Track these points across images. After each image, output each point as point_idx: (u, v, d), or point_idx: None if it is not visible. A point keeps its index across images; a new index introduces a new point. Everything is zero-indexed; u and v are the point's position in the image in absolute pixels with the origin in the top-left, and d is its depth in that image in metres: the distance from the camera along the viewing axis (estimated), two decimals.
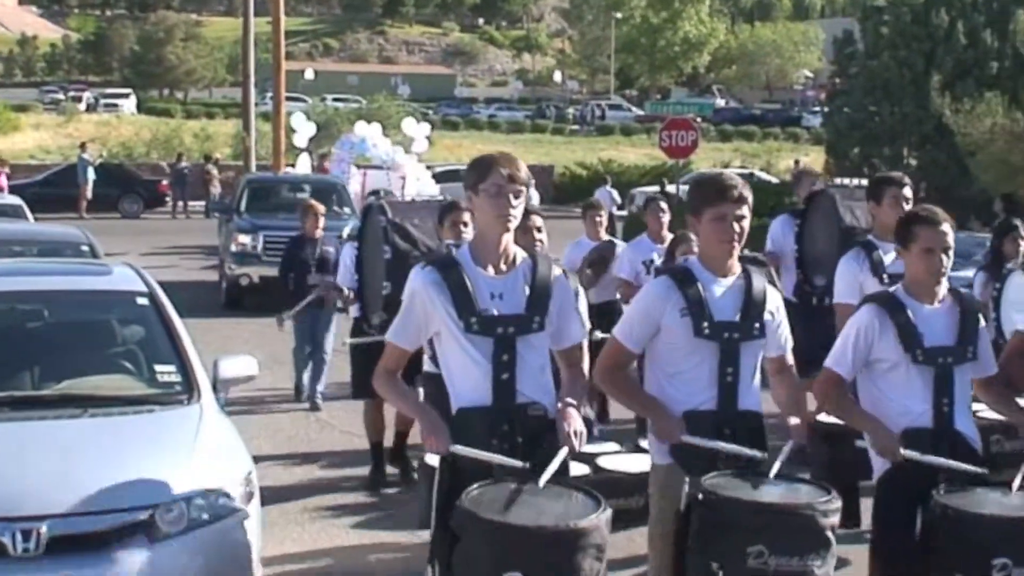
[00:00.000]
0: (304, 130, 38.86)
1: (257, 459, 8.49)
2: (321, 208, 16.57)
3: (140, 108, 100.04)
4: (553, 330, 6.38)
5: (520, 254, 6.37)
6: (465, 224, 10.30)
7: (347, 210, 26.78)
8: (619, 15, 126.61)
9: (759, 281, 6.76)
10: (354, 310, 12.53)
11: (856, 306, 8.37)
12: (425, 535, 6.73)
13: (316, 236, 16.20)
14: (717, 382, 6.61)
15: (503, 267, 6.30)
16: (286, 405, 15.77)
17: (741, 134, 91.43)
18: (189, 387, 8.35)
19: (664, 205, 13.83)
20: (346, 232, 24.00)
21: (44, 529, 6.72)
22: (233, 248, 25.19)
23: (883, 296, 7.19)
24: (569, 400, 6.29)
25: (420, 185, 34.00)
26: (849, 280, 9.31)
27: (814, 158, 59.94)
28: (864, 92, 40.90)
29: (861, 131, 40.82)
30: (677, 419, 6.60)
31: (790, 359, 7.01)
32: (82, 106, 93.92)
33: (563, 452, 6.07)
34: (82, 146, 50.22)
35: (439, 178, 51.91)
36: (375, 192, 14.58)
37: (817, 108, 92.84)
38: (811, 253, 12.19)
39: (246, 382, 8.95)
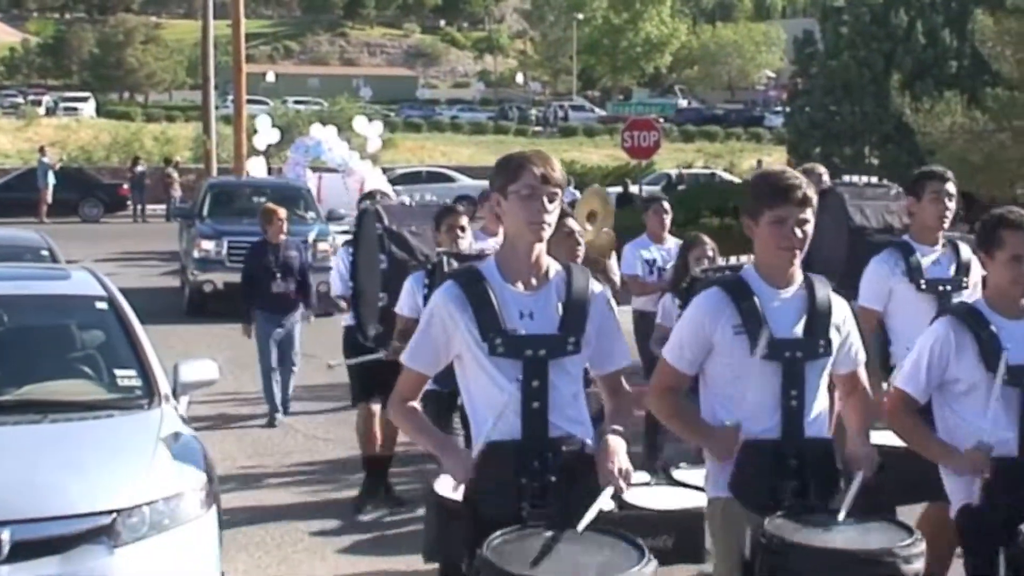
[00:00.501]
0: (266, 133, 38.38)
1: (220, 463, 8.47)
2: (282, 212, 15.82)
3: (100, 111, 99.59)
4: (593, 352, 5.62)
5: (554, 266, 5.59)
6: (462, 229, 9.77)
7: (311, 214, 26.53)
8: (581, 16, 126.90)
9: (823, 291, 5.96)
10: (347, 318, 11.98)
11: (881, 313, 8.26)
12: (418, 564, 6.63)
13: (278, 241, 15.47)
14: (780, 407, 5.80)
15: (534, 282, 5.52)
16: (248, 409, 15.72)
17: (703, 134, 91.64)
18: (149, 392, 8.34)
19: (667, 205, 13.39)
20: (311, 237, 24.08)
21: (6, 535, 6.71)
22: (196, 254, 24.78)
23: (962, 308, 6.66)
24: (614, 432, 5.51)
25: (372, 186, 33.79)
26: (877, 284, 8.57)
27: (776, 157, 60.28)
28: (825, 92, 41.08)
29: (822, 131, 41.00)
30: (728, 433, 5.79)
31: (863, 376, 6.21)
32: (41, 110, 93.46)
33: (607, 493, 5.30)
34: (41, 150, 50.04)
35: (401, 180, 52.16)
36: (370, 195, 13.32)
37: (779, 108, 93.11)
38: (818, 255, 11.56)
39: (207, 386, 8.93)
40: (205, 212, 26.57)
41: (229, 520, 8.20)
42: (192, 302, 24.65)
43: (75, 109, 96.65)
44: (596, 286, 5.65)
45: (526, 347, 5.40)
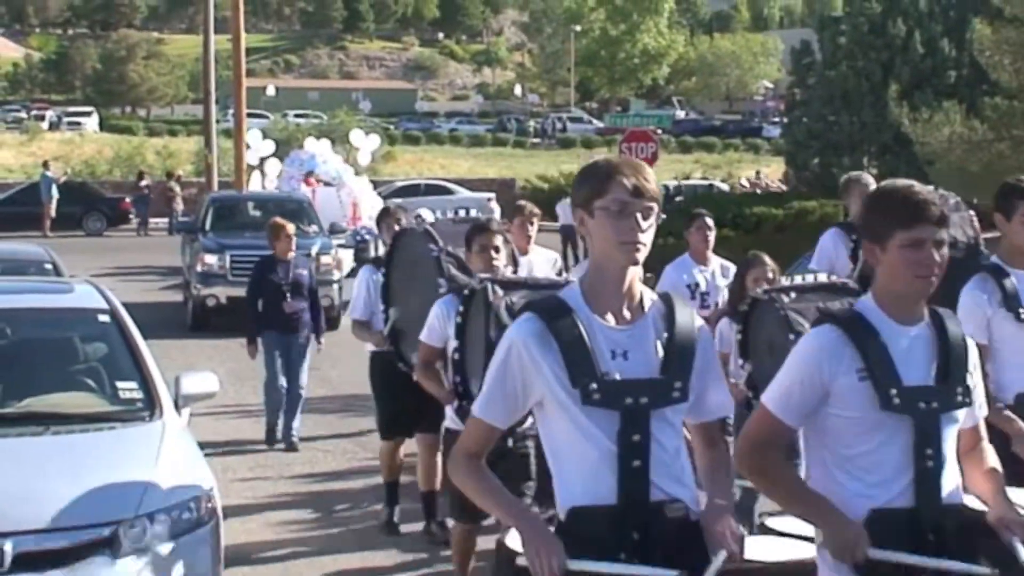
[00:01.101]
0: (259, 147, 38.09)
1: (220, 475, 8.53)
2: (291, 227, 15.00)
3: (103, 126, 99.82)
4: (693, 397, 4.74)
5: (648, 295, 4.73)
6: (496, 250, 8.53)
7: (314, 228, 26.31)
8: (578, 28, 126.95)
9: (955, 327, 4.98)
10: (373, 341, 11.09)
11: (987, 347, 7.11)
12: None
13: (288, 258, 14.66)
14: (913, 468, 4.77)
15: (627, 314, 4.65)
16: (249, 421, 15.75)
17: (701, 145, 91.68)
18: (151, 404, 8.38)
19: (710, 221, 11.87)
20: (314, 250, 23.80)
21: (9, 546, 6.76)
22: (199, 268, 24.50)
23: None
24: (719, 498, 4.75)
25: (366, 202, 33.53)
26: (978, 316, 7.28)
27: (775, 168, 60.32)
28: (823, 102, 41.13)
29: (820, 141, 41.03)
30: (857, 528, 4.69)
31: (983, 430, 5.21)
32: (45, 124, 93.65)
33: (720, 558, 4.56)
34: (45, 164, 50.15)
35: (399, 192, 52.18)
36: (386, 211, 12.63)
37: (777, 119, 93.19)
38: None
39: (208, 398, 8.98)
40: (208, 226, 26.34)
41: (229, 531, 8.25)
42: (196, 316, 24.42)
43: (78, 124, 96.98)
44: (698, 319, 4.84)
45: (625, 394, 4.54)
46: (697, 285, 11.52)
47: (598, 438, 4.53)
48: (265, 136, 41.16)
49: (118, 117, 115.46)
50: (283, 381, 14.46)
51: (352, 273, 28.27)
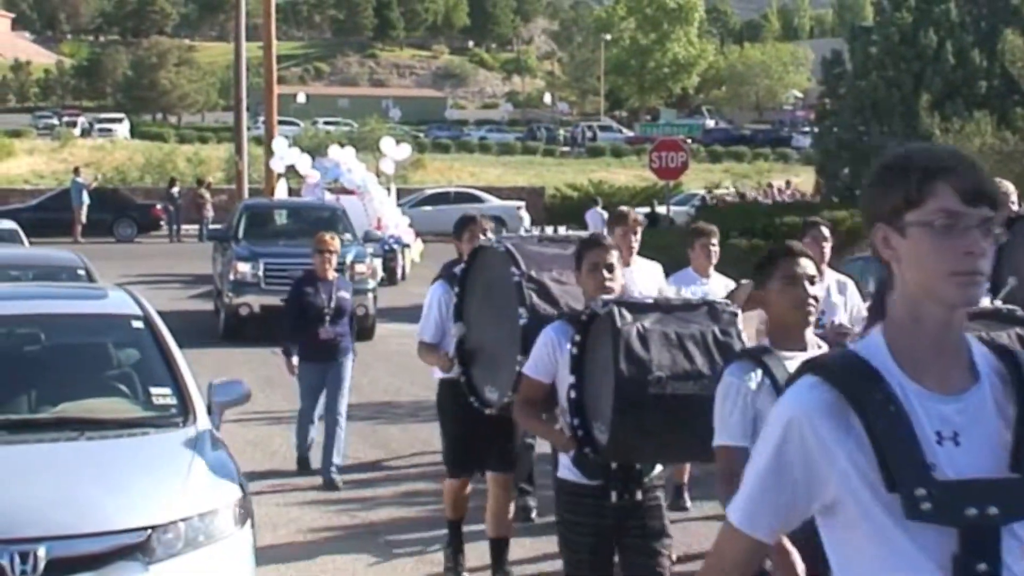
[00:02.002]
0: (285, 155, 37.31)
1: (252, 482, 8.56)
2: (335, 244, 13.84)
3: (134, 133, 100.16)
4: None
5: (969, 342, 3.15)
6: (611, 269, 6.99)
7: (348, 236, 25.66)
8: (608, 37, 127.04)
9: None
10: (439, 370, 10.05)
11: None
12: None
13: (329, 277, 13.59)
14: None
15: (955, 376, 3.10)
16: (279, 427, 15.76)
17: (731, 155, 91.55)
18: (184, 410, 8.41)
19: (826, 230, 10.49)
20: (349, 259, 23.42)
21: (42, 551, 6.79)
22: (232, 276, 24.15)
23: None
24: None
25: (387, 213, 33.30)
26: None
27: (804, 178, 60.14)
28: (853, 112, 41.04)
29: (851, 151, 40.89)
30: None
31: None
32: (76, 131, 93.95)
33: None
34: (76, 170, 50.31)
35: (429, 200, 52.30)
36: (471, 219, 10.44)
37: (807, 128, 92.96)
38: (1017, 297, 7.62)
39: (240, 404, 9.02)
40: (240, 234, 25.96)
41: (260, 537, 8.28)
42: (228, 325, 24.14)
43: (109, 130, 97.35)
44: None
45: (967, 503, 2.97)
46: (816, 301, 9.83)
47: (921, 566, 3.01)
48: (294, 143, 41.20)
49: (149, 124, 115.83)
50: (317, 413, 13.67)
51: (383, 282, 28.26)
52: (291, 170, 36.12)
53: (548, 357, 6.95)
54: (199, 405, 8.46)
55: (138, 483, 7.45)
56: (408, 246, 33.55)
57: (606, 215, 42.40)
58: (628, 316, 6.29)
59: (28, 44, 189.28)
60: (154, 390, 8.75)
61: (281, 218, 28.31)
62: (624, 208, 10.97)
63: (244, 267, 24.17)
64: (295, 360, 13.49)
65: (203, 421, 8.34)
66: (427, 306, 10.03)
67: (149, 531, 7.08)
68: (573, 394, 6.57)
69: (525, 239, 8.58)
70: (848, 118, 41.47)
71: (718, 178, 70.25)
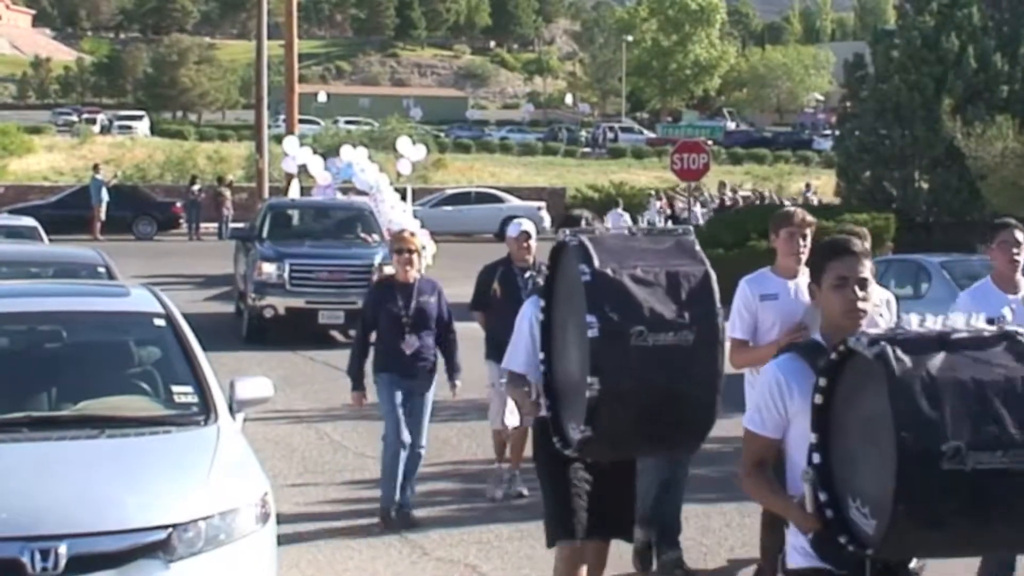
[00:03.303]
0: (297, 155, 36.23)
1: (272, 480, 8.55)
2: (416, 243, 11.95)
3: (154, 130, 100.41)
4: None
5: None
6: (862, 285, 5.31)
7: (375, 237, 25.33)
8: (630, 38, 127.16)
9: None
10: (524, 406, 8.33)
11: None
12: None
13: (409, 280, 11.72)
14: None
15: None
16: (300, 427, 15.78)
17: (752, 157, 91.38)
18: (206, 408, 8.40)
19: (1020, 235, 9.16)
20: (377, 261, 23.06)
21: (63, 548, 6.78)
22: (257, 277, 23.40)
23: None
24: None
25: (397, 216, 32.33)
26: None
27: (825, 181, 60.11)
28: (875, 115, 40.92)
29: (872, 154, 40.81)
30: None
31: None
32: (96, 128, 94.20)
33: None
34: (95, 167, 50.36)
35: (450, 200, 52.34)
36: (573, 220, 8.03)
37: (828, 131, 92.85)
38: None
39: (262, 403, 9.01)
40: (265, 234, 25.24)
41: (280, 536, 8.27)
42: (252, 328, 23.56)
43: (129, 128, 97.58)
44: None
45: None
46: (1002, 319, 8.35)
47: None
48: (315, 142, 41.06)
49: (169, 122, 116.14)
50: (407, 435, 11.55)
51: None
52: (303, 170, 35.77)
53: (775, 404, 5.35)
54: (220, 403, 8.44)
55: (159, 481, 7.43)
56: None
57: (627, 217, 42.48)
58: (907, 359, 4.60)
59: (48, 41, 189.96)
60: (175, 388, 8.74)
61: (307, 218, 27.68)
62: (790, 206, 9.48)
63: (269, 268, 23.46)
64: (373, 380, 11.70)
65: (224, 419, 8.33)
66: (517, 327, 8.23)
67: (170, 529, 7.06)
68: (817, 458, 4.95)
69: (612, 231, 7.08)
70: (870, 121, 41.36)
71: (739, 180, 70.26)
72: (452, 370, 11.96)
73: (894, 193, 39.75)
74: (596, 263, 6.36)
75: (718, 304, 6.20)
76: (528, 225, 12.69)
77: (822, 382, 4.88)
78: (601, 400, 6.18)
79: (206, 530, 7.18)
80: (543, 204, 52.77)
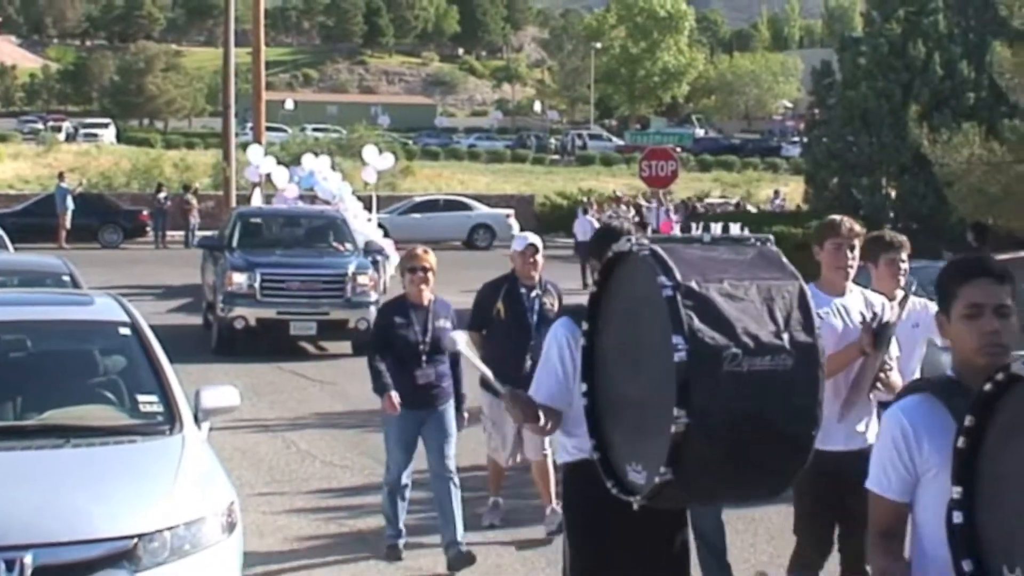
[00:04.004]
0: (260, 163, 35.79)
1: (239, 490, 8.51)
2: (431, 260, 10.68)
3: (120, 138, 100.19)
4: None
5: None
6: (1004, 312, 4.59)
7: (348, 246, 24.83)
8: (598, 45, 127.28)
9: None
10: (567, 447, 6.71)
11: None
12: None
13: (424, 302, 10.66)
14: None
15: None
16: (266, 436, 15.73)
17: (721, 164, 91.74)
18: (171, 417, 8.37)
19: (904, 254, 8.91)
20: (351, 270, 22.77)
21: (29, 558, 6.75)
22: (228, 288, 22.63)
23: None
24: None
25: (360, 226, 31.58)
26: None
27: (794, 188, 60.24)
28: (842, 122, 41.05)
29: (839, 161, 40.93)
30: None
31: None
32: (62, 136, 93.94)
33: None
34: (60, 176, 50.16)
35: (418, 208, 52.30)
36: (613, 231, 6.65)
37: (796, 138, 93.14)
38: None
39: (228, 412, 8.97)
40: (234, 243, 24.39)
41: (247, 546, 8.24)
42: (222, 339, 22.83)
43: (95, 135, 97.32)
44: None
45: None
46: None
47: None
48: (281, 149, 40.95)
49: (136, 129, 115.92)
50: (407, 477, 10.84)
51: None
52: (267, 179, 35.46)
53: (903, 455, 4.60)
54: (186, 413, 8.42)
55: (124, 491, 7.42)
56: (388, 258, 32.73)
57: (595, 222, 42.45)
58: None
59: (14, 48, 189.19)
60: (141, 397, 8.72)
61: (277, 226, 26.79)
62: (836, 216, 8.19)
63: (239, 278, 22.69)
64: (395, 397, 10.48)
65: (190, 429, 8.30)
66: (544, 352, 6.71)
67: (136, 539, 7.04)
68: (959, 517, 4.10)
69: (680, 239, 5.82)
70: (837, 128, 41.49)
71: (708, 187, 70.41)
72: (459, 400, 10.97)
73: (861, 199, 39.84)
74: (678, 275, 5.29)
75: (817, 323, 5.38)
76: (535, 239, 11.59)
77: (969, 421, 4.08)
78: (688, 437, 5.07)
79: (172, 540, 7.16)
80: (511, 212, 52.80)
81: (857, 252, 7.96)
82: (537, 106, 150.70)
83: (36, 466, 7.71)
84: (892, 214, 39.27)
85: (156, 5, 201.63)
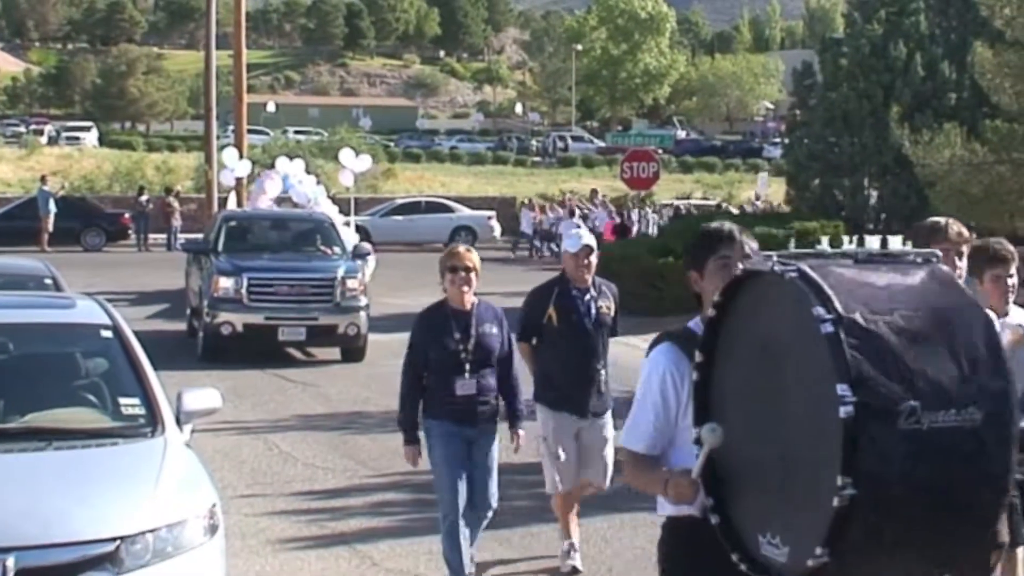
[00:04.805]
0: (236, 167, 35.61)
1: (221, 492, 8.50)
2: (473, 258, 9.62)
3: (102, 141, 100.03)
4: None
5: None
6: None
7: (337, 249, 24.20)
8: (579, 47, 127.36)
9: None
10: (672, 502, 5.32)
11: None
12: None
13: (467, 306, 9.54)
14: None
15: None
16: (248, 437, 15.72)
17: (702, 165, 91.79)
18: (153, 420, 8.35)
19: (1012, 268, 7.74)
20: (340, 274, 22.17)
21: (10, 561, 6.73)
22: (215, 293, 22.00)
23: None
24: None
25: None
26: None
27: (776, 189, 60.29)
28: (824, 123, 41.07)
29: (821, 162, 40.96)
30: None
31: None
32: (44, 139, 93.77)
33: None
34: (42, 179, 50.14)
35: (400, 210, 52.34)
36: (714, 234, 5.62)
37: (778, 139, 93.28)
38: None
39: (210, 415, 8.96)
40: (220, 247, 23.75)
41: (229, 548, 8.23)
42: (208, 346, 22.17)
43: (77, 139, 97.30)
44: None
45: None
46: None
47: None
48: (263, 152, 40.85)
49: (118, 132, 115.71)
50: (463, 496, 9.44)
51: None
52: (242, 183, 35.26)
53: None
54: (168, 415, 8.40)
55: (106, 493, 7.40)
56: (367, 261, 32.38)
57: (581, 224, 42.47)
58: None
59: None
60: (122, 400, 8.69)
61: (264, 230, 25.94)
62: (938, 219, 7.27)
63: (226, 282, 22.09)
64: (422, 427, 9.67)
65: (172, 431, 8.28)
66: (642, 387, 5.38)
67: (118, 541, 7.02)
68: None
69: (828, 255, 4.65)
70: (818, 129, 41.53)
71: (689, 188, 70.48)
72: (515, 417, 9.83)
73: (844, 200, 39.89)
74: (838, 305, 4.25)
75: (1009, 364, 4.34)
76: (590, 238, 10.41)
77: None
78: (855, 511, 4.10)
79: (154, 542, 7.14)
80: (493, 214, 52.87)
81: (966, 260, 7.02)
82: (518, 108, 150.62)
83: (18, 469, 7.69)
84: (874, 215, 39.35)
85: (137, 8, 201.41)
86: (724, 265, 5.10)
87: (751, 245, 5.37)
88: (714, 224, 5.62)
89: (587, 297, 10.29)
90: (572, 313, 10.23)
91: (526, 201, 55.38)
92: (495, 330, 9.52)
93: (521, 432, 9.85)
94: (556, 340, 10.24)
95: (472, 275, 9.38)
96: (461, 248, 9.75)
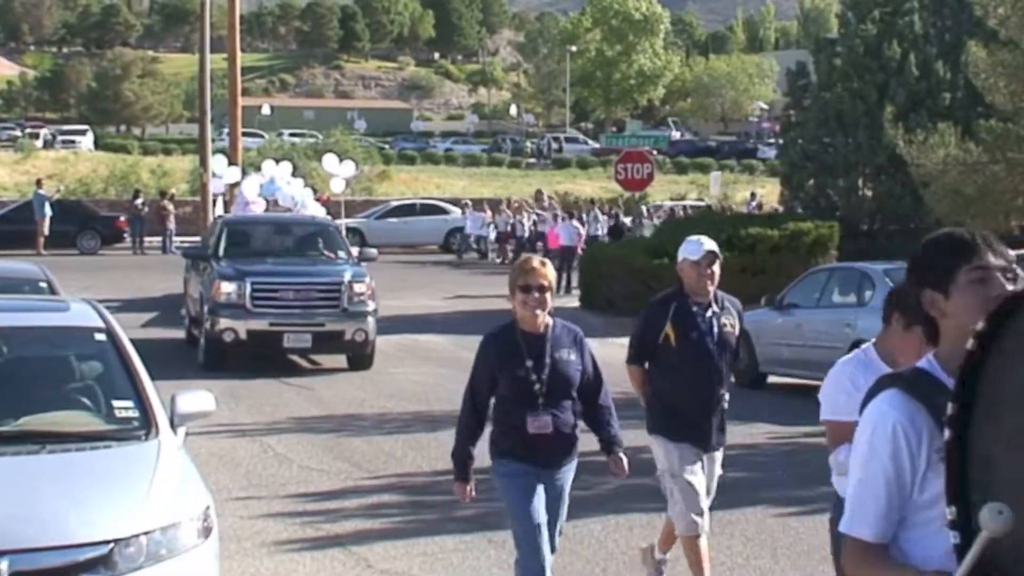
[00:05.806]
0: (224, 174, 35.21)
1: (215, 494, 8.50)
2: (549, 273, 8.19)
3: (97, 144, 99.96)
4: None
5: None
6: None
7: (341, 254, 23.65)
8: (574, 48, 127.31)
9: None
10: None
11: None
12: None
13: (540, 329, 8.14)
14: None
15: None
16: (243, 440, 15.72)
17: (697, 166, 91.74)
18: (147, 423, 8.34)
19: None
20: (347, 278, 21.67)
21: (4, 565, 6.73)
22: (217, 299, 21.46)
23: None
24: None
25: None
26: None
27: (770, 189, 60.34)
28: (818, 124, 41.06)
29: (815, 162, 40.95)
30: None
31: None
32: (39, 143, 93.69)
33: None
34: (38, 182, 50.14)
35: (395, 212, 52.40)
36: (958, 242, 4.02)
37: (772, 140, 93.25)
38: None
39: (203, 417, 8.96)
40: (221, 251, 23.10)
41: (224, 551, 8.23)
42: (210, 354, 21.59)
43: (73, 142, 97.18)
44: None
45: None
46: None
47: None
48: (258, 154, 40.93)
49: (113, 136, 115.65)
50: (548, 553, 8.11)
51: None
52: (230, 189, 35.13)
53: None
54: (161, 418, 8.40)
55: (100, 497, 7.40)
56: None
57: (581, 228, 42.45)
58: None
59: None
60: (116, 403, 8.69)
61: (266, 234, 25.15)
62: (963, 231, 5.52)
63: (228, 287, 21.51)
64: (494, 468, 8.38)
65: (166, 434, 8.28)
66: (864, 452, 3.91)
67: (112, 545, 7.02)
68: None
69: None
70: (813, 129, 41.53)
71: (684, 189, 70.49)
72: (613, 442, 8.43)
73: (838, 201, 39.90)
74: None
75: None
76: (712, 244, 9.15)
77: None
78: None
79: (148, 545, 7.14)
80: (488, 215, 52.92)
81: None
82: (513, 110, 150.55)
83: (11, 472, 7.67)
84: (868, 215, 39.35)
85: (132, 12, 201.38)
86: (981, 279, 3.86)
87: (1009, 254, 3.99)
88: (954, 230, 4.20)
89: (708, 313, 9.14)
90: (692, 331, 9.08)
91: (468, 203, 54.85)
92: (573, 356, 8.16)
93: (622, 456, 8.43)
94: (674, 363, 9.10)
95: (548, 295, 8.03)
96: (535, 262, 8.22)
